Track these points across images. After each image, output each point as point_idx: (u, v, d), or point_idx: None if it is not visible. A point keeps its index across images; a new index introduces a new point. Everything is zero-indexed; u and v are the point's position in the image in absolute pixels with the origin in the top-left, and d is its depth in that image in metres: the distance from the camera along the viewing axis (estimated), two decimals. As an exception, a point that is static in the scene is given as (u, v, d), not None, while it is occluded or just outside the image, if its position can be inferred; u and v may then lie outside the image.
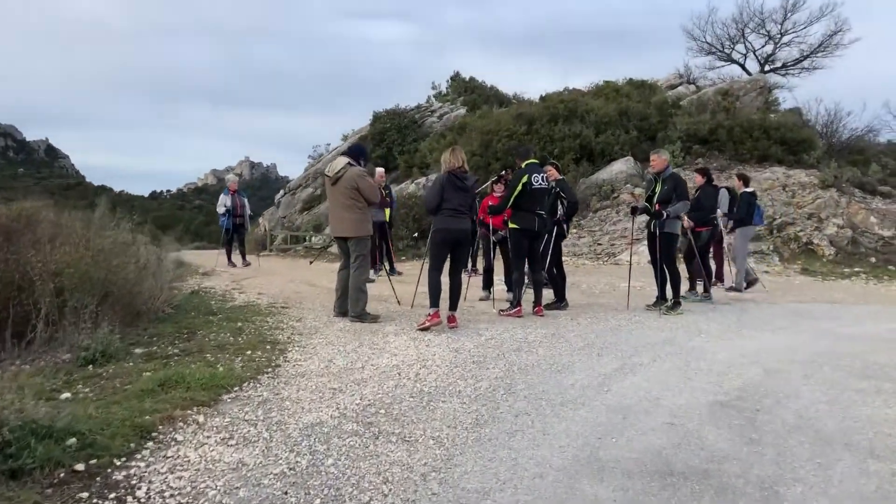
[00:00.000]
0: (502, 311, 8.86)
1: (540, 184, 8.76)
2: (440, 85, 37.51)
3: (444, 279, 7.92)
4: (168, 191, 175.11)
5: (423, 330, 7.53)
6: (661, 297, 9.55)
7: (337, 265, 8.75)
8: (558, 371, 6.13)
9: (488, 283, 10.61)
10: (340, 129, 44.22)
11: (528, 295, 9.26)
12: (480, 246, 15.27)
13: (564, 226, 9.69)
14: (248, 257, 16.98)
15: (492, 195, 10.64)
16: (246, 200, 16.66)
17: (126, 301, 7.16)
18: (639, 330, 8.13)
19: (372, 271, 14.33)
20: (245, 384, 5.40)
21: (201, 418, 4.60)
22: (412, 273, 15.49)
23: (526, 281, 9.12)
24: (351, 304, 8.06)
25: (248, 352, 6.34)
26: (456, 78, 37.39)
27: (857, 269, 16.71)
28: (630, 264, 11.88)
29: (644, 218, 9.95)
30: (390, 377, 5.73)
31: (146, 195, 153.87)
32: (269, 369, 5.84)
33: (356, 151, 8.50)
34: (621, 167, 21.33)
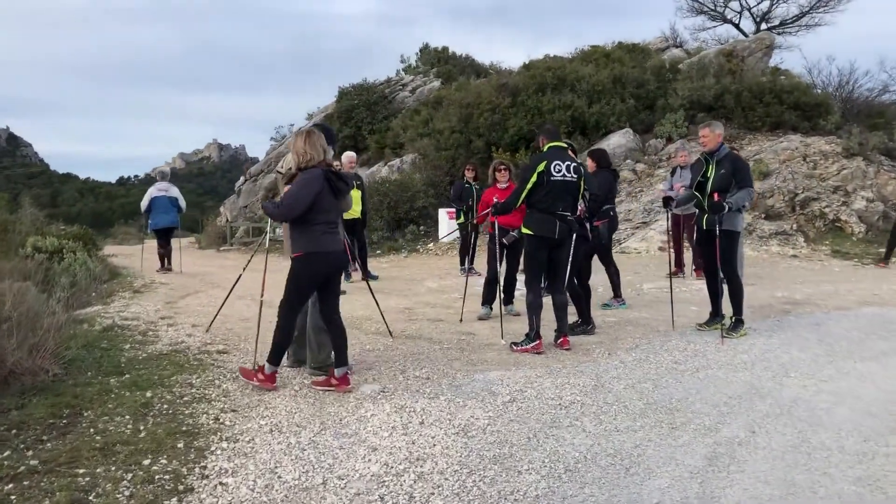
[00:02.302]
0: (515, 345, 6.65)
1: (564, 175, 6.54)
2: (409, 58, 34.90)
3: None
4: (136, 176, 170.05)
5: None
6: (716, 313, 7.40)
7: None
8: (626, 469, 3.98)
9: (490, 298, 8.38)
10: (307, 108, 41.47)
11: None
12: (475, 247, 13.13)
13: (587, 225, 7.47)
14: (171, 262, 14.39)
15: (495, 187, 8.41)
16: (153, 189, 14.11)
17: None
18: (705, 370, 5.97)
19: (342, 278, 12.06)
20: (123, 546, 3.16)
21: None
22: (392, 274, 13.30)
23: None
24: (311, 351, 5.81)
25: (147, 459, 4.06)
26: (425, 50, 34.75)
27: (893, 249, 14.74)
28: (673, 278, 9.72)
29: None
30: (369, 508, 3.52)
31: (113, 181, 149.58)
32: (174, 499, 3.60)
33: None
34: (619, 140, 19.10)
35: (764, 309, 8.60)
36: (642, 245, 15.39)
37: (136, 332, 7.46)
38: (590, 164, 8.72)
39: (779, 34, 28.30)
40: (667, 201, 7.68)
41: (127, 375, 5.68)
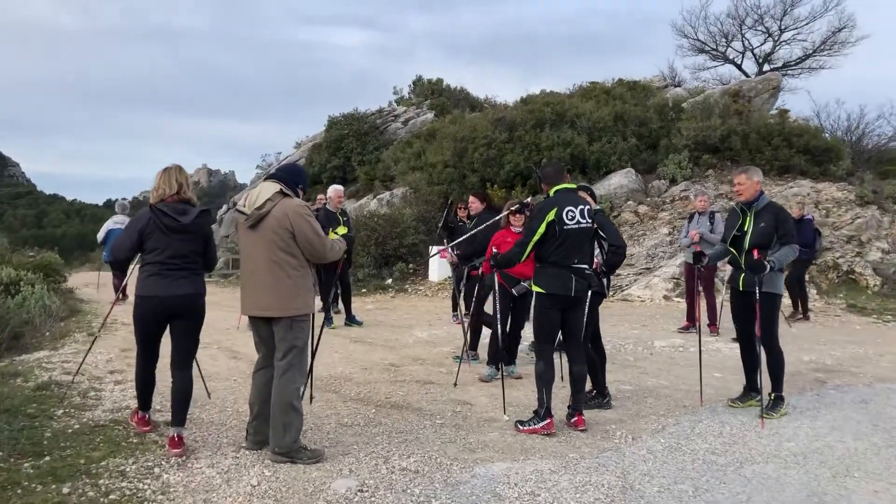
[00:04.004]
0: (522, 423, 5.61)
1: (578, 222, 5.57)
2: (402, 90, 34.10)
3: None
4: (124, 198, 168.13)
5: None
6: (752, 388, 6.41)
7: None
8: None
9: (496, 357, 7.37)
10: (297, 136, 40.47)
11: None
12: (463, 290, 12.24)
13: (604, 280, 6.48)
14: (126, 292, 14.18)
15: (508, 229, 7.44)
16: (110, 222, 14.28)
17: None
18: (751, 464, 4.95)
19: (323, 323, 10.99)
20: None
21: None
22: (378, 318, 12.18)
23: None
24: (274, 432, 4.75)
25: None
26: (419, 82, 33.96)
27: None
28: (702, 338, 8.76)
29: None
30: None
31: (101, 203, 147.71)
32: None
33: (291, 175, 5.09)
34: (621, 181, 18.22)
35: (796, 378, 7.60)
36: (646, 293, 14.45)
37: (75, 391, 6.38)
38: (475, 206, 8.21)
39: (783, 76, 27.78)
40: (698, 257, 6.69)
41: (47, 458, 4.61)
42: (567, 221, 5.51)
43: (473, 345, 8.21)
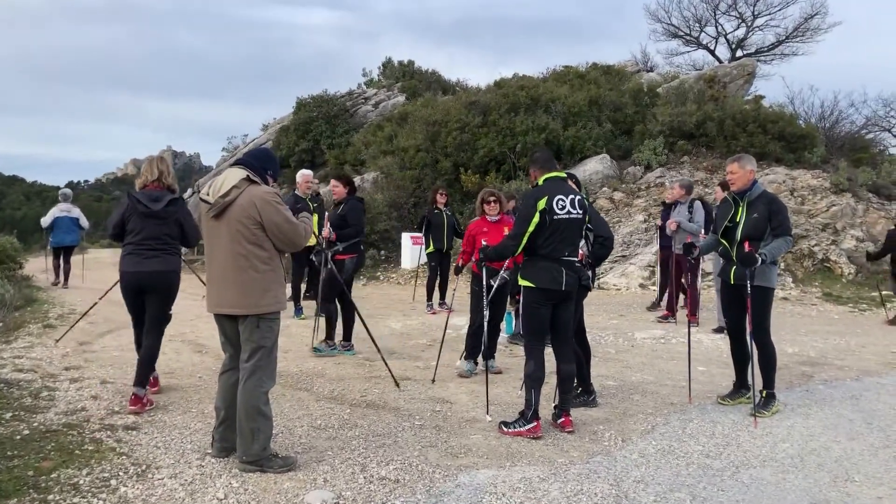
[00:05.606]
0: (506, 425, 5.31)
1: (569, 212, 5.26)
2: (371, 72, 33.38)
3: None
4: (86, 181, 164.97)
5: None
6: (742, 384, 6.19)
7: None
8: None
9: (474, 352, 7.10)
10: (264, 118, 39.61)
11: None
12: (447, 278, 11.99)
13: (590, 273, 6.18)
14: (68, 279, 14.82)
15: (483, 218, 7.14)
16: (55, 210, 14.53)
17: None
18: (747, 469, 4.71)
19: (293, 313, 10.60)
20: None
21: None
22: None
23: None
24: (242, 439, 4.39)
25: None
26: (388, 64, 33.26)
27: (885, 293, 13.83)
28: (664, 323, 8.53)
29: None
30: None
31: (62, 186, 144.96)
32: None
33: (260, 160, 4.67)
34: (596, 166, 17.99)
35: (783, 372, 7.37)
36: (622, 281, 14.26)
37: (27, 390, 5.95)
38: (338, 190, 7.91)
39: (756, 62, 27.75)
40: (689, 248, 6.44)
41: (-10, 469, 4.21)
42: (557, 211, 5.21)
43: (348, 335, 8.01)
